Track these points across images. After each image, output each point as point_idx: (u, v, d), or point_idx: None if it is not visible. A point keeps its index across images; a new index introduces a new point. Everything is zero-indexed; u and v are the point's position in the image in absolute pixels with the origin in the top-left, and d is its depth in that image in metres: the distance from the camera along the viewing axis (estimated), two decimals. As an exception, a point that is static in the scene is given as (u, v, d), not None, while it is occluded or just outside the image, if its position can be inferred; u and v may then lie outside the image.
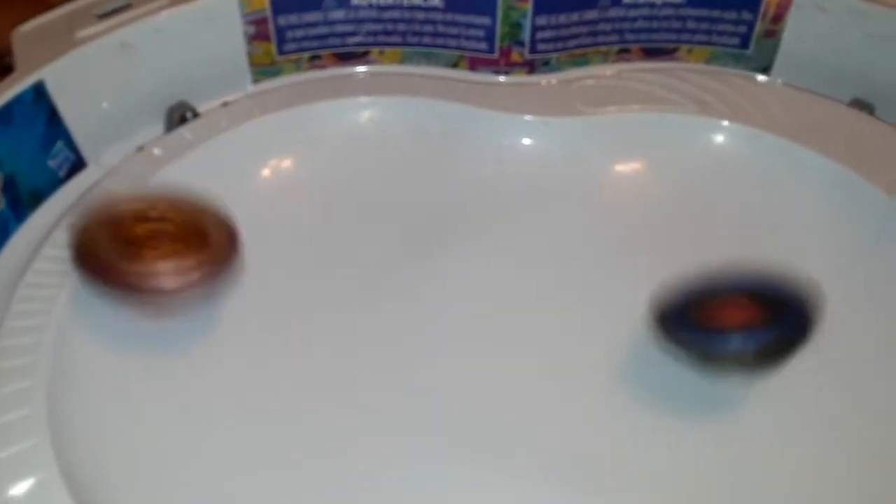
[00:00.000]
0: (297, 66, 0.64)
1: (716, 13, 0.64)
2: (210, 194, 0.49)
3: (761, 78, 0.66)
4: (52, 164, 0.55)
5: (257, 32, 0.62)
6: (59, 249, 0.49)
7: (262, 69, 0.63)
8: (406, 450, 0.44)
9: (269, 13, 0.61)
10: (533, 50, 0.64)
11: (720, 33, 0.65)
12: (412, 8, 0.63)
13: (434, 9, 0.63)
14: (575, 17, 0.63)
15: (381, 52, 0.65)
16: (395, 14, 0.63)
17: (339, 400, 0.46)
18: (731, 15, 0.64)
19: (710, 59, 0.66)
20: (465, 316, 0.50)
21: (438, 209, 0.57)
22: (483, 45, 0.64)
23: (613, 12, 0.63)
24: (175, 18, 0.58)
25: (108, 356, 0.47)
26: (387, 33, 0.64)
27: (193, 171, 0.55)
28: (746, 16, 0.63)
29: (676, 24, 0.65)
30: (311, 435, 0.45)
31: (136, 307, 0.47)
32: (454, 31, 0.64)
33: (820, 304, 0.44)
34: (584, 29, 0.64)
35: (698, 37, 0.65)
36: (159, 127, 0.60)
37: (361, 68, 0.65)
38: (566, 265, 0.54)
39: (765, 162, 0.58)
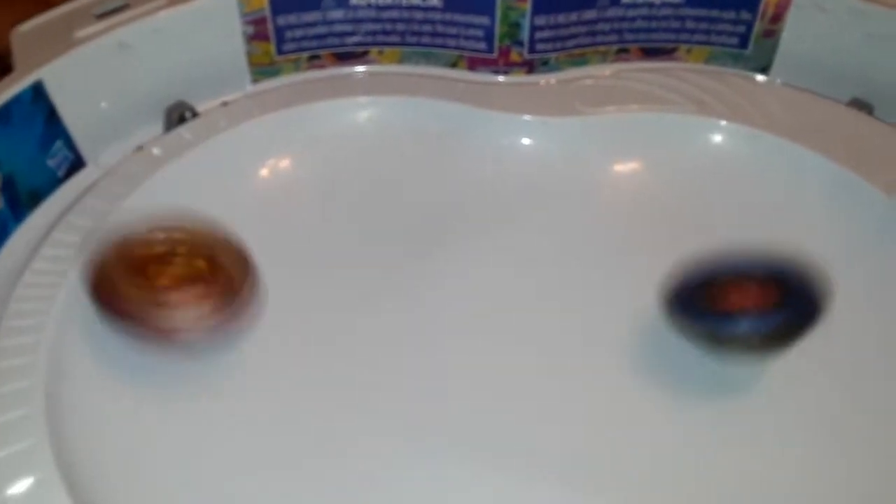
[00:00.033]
0: (296, 66, 0.64)
1: (714, 13, 0.64)
2: (209, 194, 0.49)
3: (760, 78, 0.66)
4: (50, 163, 0.55)
5: (256, 32, 0.61)
6: (57, 249, 0.49)
7: (261, 69, 0.63)
8: (406, 450, 0.44)
9: (267, 13, 0.61)
10: (532, 50, 0.64)
11: (719, 33, 0.65)
12: (411, 8, 0.63)
13: (433, 8, 0.63)
14: (574, 16, 0.63)
15: (380, 52, 0.65)
16: (394, 14, 0.63)
17: (339, 400, 0.46)
18: (730, 15, 0.64)
19: (708, 59, 0.66)
20: (465, 316, 0.50)
21: (438, 209, 0.57)
22: (482, 45, 0.64)
23: (612, 12, 0.63)
24: (173, 18, 0.58)
25: (107, 356, 0.47)
26: (386, 33, 0.64)
27: (192, 171, 0.55)
28: (745, 15, 0.63)
29: (675, 24, 0.65)
30: (311, 435, 0.45)
31: (152, 345, 0.46)
32: (453, 30, 0.64)
33: (828, 289, 0.44)
34: (583, 29, 0.64)
35: (697, 37, 0.65)
36: (158, 127, 0.60)
37: (360, 68, 0.65)
38: (565, 265, 0.54)
39: (764, 162, 0.58)
